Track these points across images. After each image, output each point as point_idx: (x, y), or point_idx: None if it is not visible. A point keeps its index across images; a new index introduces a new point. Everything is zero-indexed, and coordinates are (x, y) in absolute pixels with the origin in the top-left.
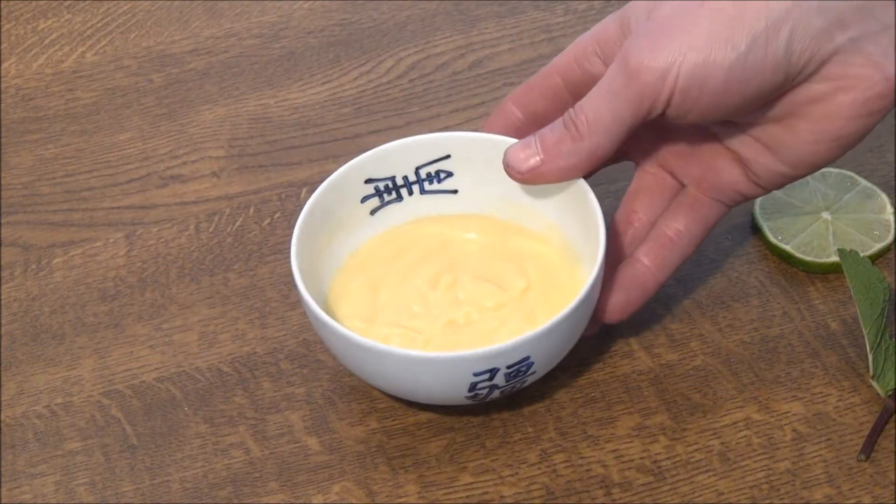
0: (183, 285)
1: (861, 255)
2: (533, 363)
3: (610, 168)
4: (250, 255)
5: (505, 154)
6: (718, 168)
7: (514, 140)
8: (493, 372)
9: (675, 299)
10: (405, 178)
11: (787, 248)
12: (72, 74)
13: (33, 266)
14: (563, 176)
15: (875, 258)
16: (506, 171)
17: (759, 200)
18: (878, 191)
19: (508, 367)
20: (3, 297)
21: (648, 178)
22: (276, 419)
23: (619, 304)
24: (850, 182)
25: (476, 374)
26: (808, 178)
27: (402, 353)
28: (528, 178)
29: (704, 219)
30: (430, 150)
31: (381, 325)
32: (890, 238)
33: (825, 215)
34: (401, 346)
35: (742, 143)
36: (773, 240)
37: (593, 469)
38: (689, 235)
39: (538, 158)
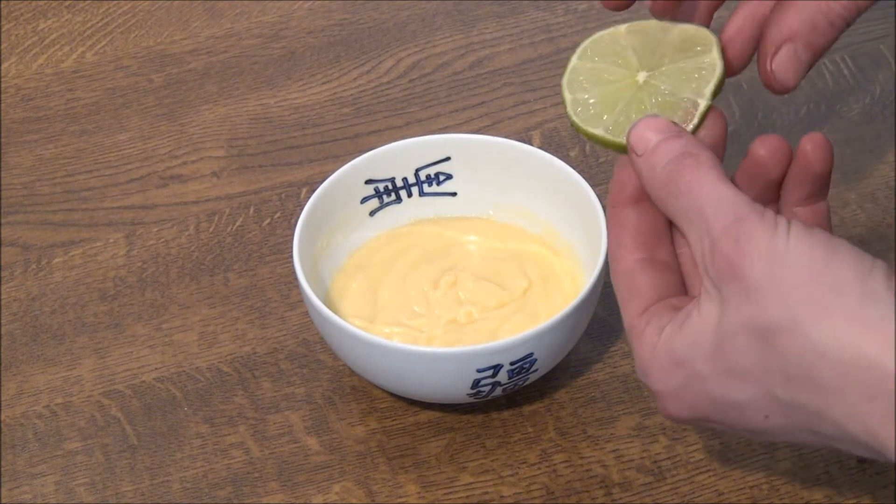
0: (183, 285)
1: None
2: (536, 360)
3: (609, 168)
4: (250, 255)
5: None
6: None
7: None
8: (496, 368)
9: None
10: (405, 179)
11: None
12: (72, 74)
13: (33, 266)
14: None
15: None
16: None
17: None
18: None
19: (512, 364)
20: (3, 297)
21: None
22: (276, 419)
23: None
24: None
25: (479, 371)
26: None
27: (406, 348)
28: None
29: None
30: (431, 152)
31: (383, 325)
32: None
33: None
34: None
35: None
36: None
37: (593, 469)
38: None
39: None
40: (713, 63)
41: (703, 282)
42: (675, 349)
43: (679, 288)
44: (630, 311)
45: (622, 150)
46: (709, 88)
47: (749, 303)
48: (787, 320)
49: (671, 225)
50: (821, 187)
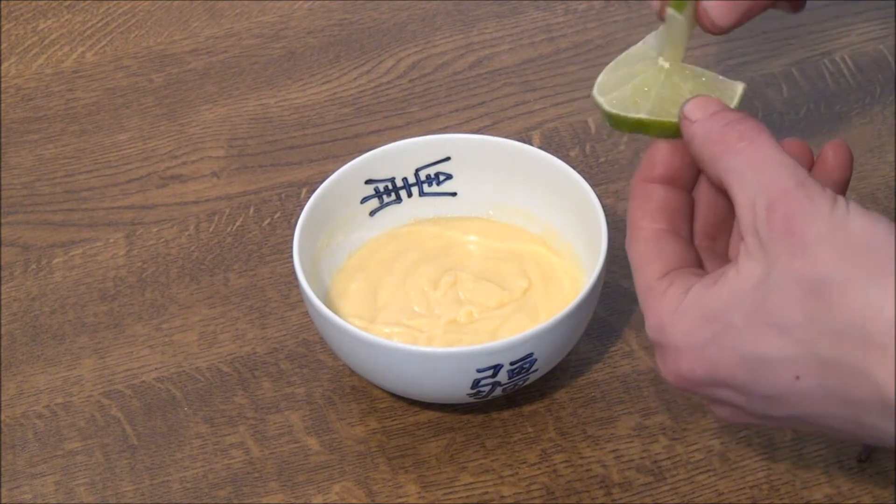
0: (183, 285)
1: None
2: (536, 360)
3: (609, 168)
4: (250, 255)
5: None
6: None
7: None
8: (496, 368)
9: None
10: (405, 179)
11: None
12: (72, 74)
13: (33, 266)
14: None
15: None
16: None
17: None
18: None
19: (512, 364)
20: (3, 297)
21: None
22: (276, 419)
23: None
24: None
25: (479, 371)
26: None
27: (405, 348)
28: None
29: None
30: (431, 152)
31: (383, 325)
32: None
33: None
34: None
35: None
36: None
37: (593, 469)
38: None
39: None
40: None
41: (745, 242)
42: (706, 304)
43: (699, 266)
44: (650, 273)
45: (665, 130)
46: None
47: (805, 257)
48: (843, 276)
49: (692, 213)
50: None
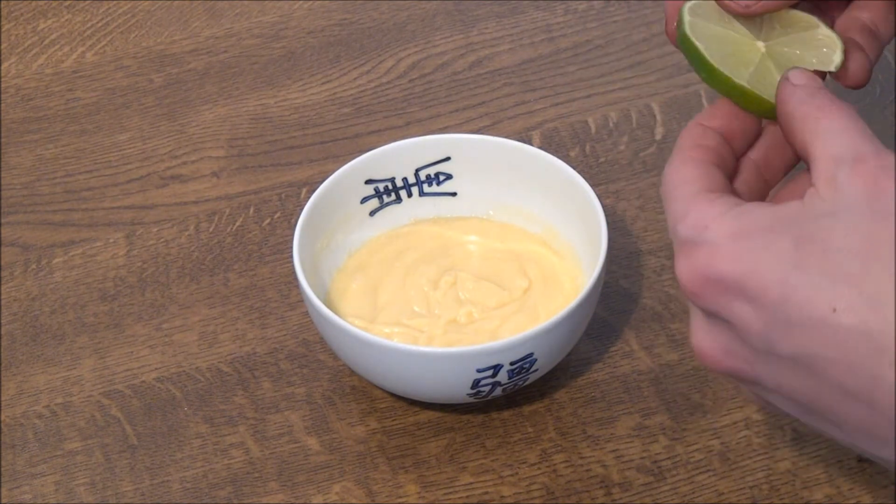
0: (183, 285)
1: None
2: (536, 360)
3: (609, 168)
4: (250, 255)
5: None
6: None
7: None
8: (496, 368)
9: (675, 299)
10: (405, 179)
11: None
12: (72, 74)
13: (33, 266)
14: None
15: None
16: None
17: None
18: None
19: (512, 364)
20: (3, 297)
21: None
22: (276, 419)
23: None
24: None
25: (479, 371)
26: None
27: (406, 348)
28: (757, 10)
29: None
30: (431, 152)
31: (383, 325)
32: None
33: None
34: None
35: None
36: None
37: (593, 469)
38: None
39: None
40: (830, 36)
41: (816, 187)
42: (761, 217)
43: None
44: (697, 187)
45: (758, 104)
46: (836, 56)
47: (879, 201)
48: None
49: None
50: None
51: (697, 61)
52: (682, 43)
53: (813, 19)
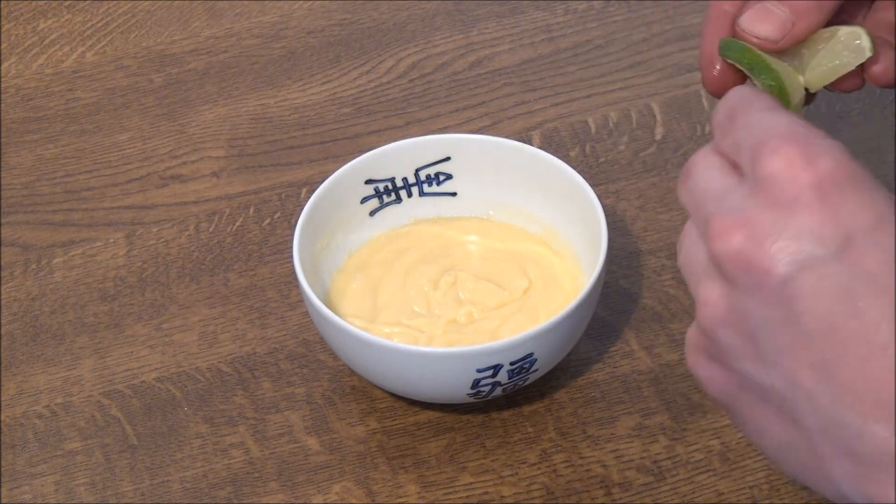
0: (183, 285)
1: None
2: (536, 360)
3: (609, 168)
4: (250, 255)
5: (745, 26)
6: None
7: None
8: (496, 368)
9: (675, 299)
10: (405, 179)
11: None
12: (72, 74)
13: (33, 266)
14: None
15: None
16: (750, 41)
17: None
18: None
19: (512, 364)
20: (3, 297)
21: None
22: (276, 419)
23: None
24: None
25: (479, 371)
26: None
27: (406, 348)
28: (784, 44)
29: None
30: (431, 152)
31: (383, 325)
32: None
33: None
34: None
35: None
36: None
37: (593, 469)
38: None
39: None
40: (849, 31)
41: None
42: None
43: None
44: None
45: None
46: (865, 42)
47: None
48: None
49: None
50: None
51: (758, 64)
52: (733, 51)
53: (827, 28)
